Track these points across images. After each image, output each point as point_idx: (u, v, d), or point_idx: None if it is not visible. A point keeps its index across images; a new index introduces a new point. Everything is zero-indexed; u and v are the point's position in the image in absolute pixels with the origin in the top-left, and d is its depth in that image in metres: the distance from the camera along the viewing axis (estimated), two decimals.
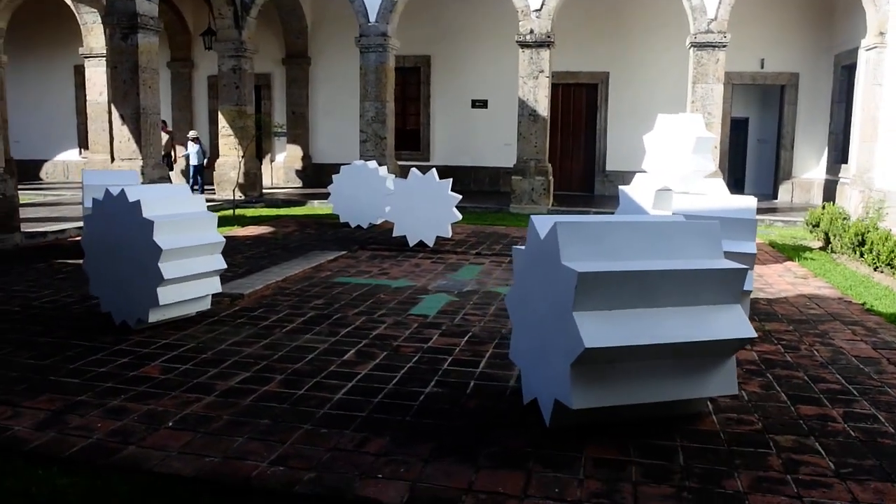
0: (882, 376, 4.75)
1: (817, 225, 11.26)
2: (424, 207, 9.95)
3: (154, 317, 5.50)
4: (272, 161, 19.31)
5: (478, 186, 17.87)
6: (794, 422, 3.92)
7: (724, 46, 13.60)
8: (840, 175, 15.38)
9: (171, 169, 17.35)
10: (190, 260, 5.54)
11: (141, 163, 12.53)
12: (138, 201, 5.33)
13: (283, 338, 5.45)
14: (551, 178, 14.67)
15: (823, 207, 11.61)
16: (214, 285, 5.88)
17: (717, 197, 7.03)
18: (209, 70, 19.21)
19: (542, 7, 13.95)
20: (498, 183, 17.78)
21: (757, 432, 3.76)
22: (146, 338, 5.36)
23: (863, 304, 6.97)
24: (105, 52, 16.22)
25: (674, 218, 4.11)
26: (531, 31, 14.04)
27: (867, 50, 13.60)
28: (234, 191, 14.44)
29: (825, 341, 5.60)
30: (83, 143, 20.00)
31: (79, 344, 5.20)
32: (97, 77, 16.47)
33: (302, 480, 3.19)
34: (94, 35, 16.46)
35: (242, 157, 15.63)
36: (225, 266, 5.90)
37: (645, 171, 10.73)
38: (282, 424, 3.78)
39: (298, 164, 18.85)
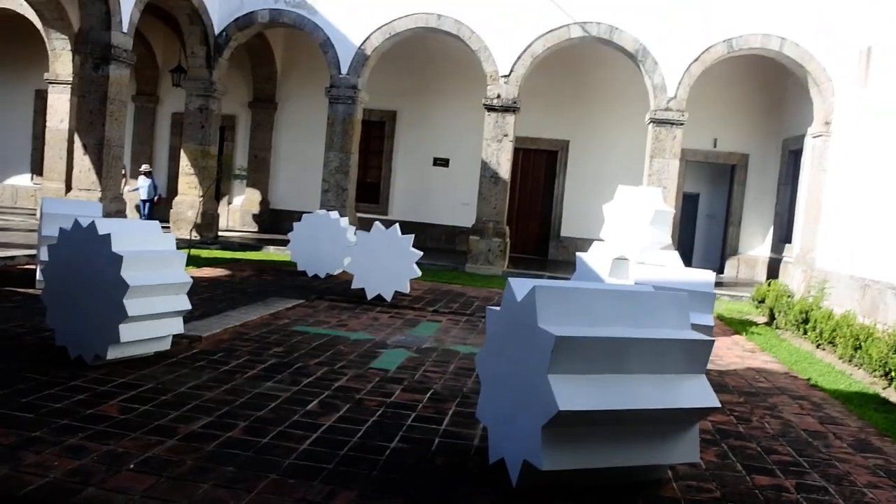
0: (830, 450, 4.93)
1: (763, 301, 11.66)
2: (385, 262, 10.00)
3: (113, 354, 5.39)
4: (229, 203, 19.18)
5: (434, 243, 18.01)
6: (750, 491, 4.03)
7: (682, 124, 14.19)
8: (784, 254, 15.99)
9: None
10: (155, 298, 5.48)
11: (99, 194, 12.35)
12: (108, 234, 5.27)
13: (245, 384, 5.38)
14: (508, 240, 14.90)
15: (769, 284, 12.03)
16: (177, 326, 5.80)
17: (676, 269, 7.25)
18: (174, 107, 19.18)
19: (510, 73, 14.39)
20: (454, 241, 17.97)
21: (716, 500, 3.85)
22: (103, 375, 5.24)
23: (808, 380, 7.22)
24: (71, 79, 16.08)
25: (644, 288, 4.25)
26: (498, 96, 14.43)
27: (814, 137, 14.35)
28: (190, 231, 14.28)
29: (775, 414, 5.78)
30: (37, 170, 19.59)
31: (32, 377, 5.05)
32: (60, 104, 16.24)
33: None
34: (61, 62, 16.30)
35: (202, 197, 15.51)
36: (189, 307, 5.84)
37: (602, 240, 11.05)
38: (247, 472, 3.73)
39: (256, 209, 18.76)
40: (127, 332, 5.30)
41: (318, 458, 4.01)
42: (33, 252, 10.93)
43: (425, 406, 5.23)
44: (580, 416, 3.51)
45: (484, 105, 14.56)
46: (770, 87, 17.06)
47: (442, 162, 18.17)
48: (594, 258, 10.61)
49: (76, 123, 12.49)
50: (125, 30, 12.55)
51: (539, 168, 17.98)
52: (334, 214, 12.25)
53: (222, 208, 18.68)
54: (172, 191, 18.54)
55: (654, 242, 10.23)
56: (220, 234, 16.62)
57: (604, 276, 10.41)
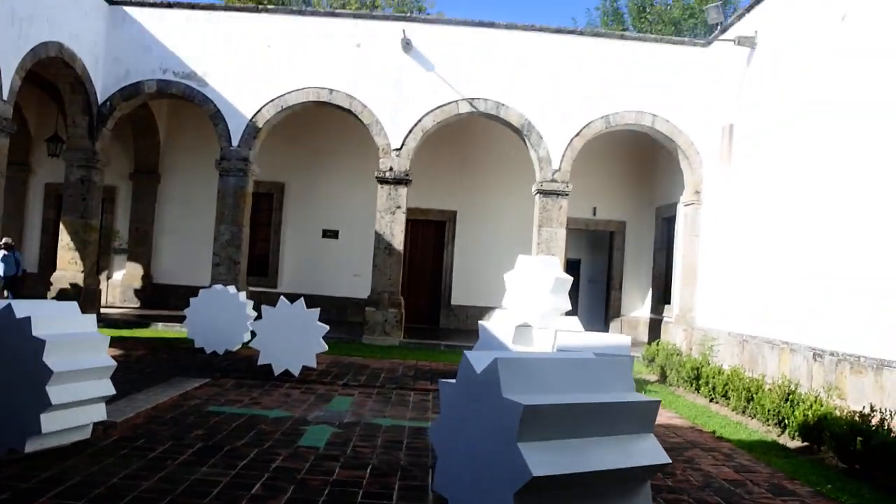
0: (753, 496, 5.31)
1: (653, 360, 12.32)
2: (292, 336, 9.86)
3: (31, 447, 5.04)
4: (108, 278, 18.24)
5: (325, 315, 17.35)
6: None
7: (567, 195, 14.98)
8: (664, 314, 16.98)
9: None
10: (80, 384, 5.20)
11: None
12: (28, 318, 4.99)
13: (179, 470, 5.15)
14: (403, 310, 15.01)
15: (657, 344, 12.74)
16: (100, 412, 5.51)
17: (594, 334, 7.60)
18: (48, 177, 18.27)
19: (402, 147, 14.76)
20: (345, 313, 17.84)
21: None
22: (22, 470, 4.87)
23: (713, 432, 7.70)
24: None
25: (587, 355, 4.50)
26: (391, 169, 14.73)
27: (685, 205, 15.52)
28: (90, 310, 13.45)
29: (694, 466, 6.14)
30: None
31: None
32: None
33: None
34: None
35: (83, 272, 14.73)
36: (114, 391, 5.57)
37: (504, 308, 11.41)
38: None
39: (138, 283, 17.95)
40: (48, 421, 4.99)
41: None
42: None
43: (370, 482, 5.20)
44: (551, 481, 3.64)
45: (377, 178, 14.80)
46: (645, 159, 18.38)
47: (331, 233, 18.17)
48: (497, 326, 10.91)
49: None
50: (5, 98, 11.96)
51: (428, 238, 18.33)
52: (232, 289, 11.98)
53: (101, 284, 17.76)
54: (47, 266, 17.53)
55: (555, 309, 10.69)
56: (101, 310, 15.74)
57: (507, 343, 10.71)
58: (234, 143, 14.77)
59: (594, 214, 18.49)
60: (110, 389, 5.51)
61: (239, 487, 4.86)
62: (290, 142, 17.71)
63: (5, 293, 14.80)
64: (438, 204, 18.12)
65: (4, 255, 14.95)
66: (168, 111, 18.37)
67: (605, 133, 15.48)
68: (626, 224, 18.60)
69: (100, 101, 14.99)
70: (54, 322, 5.20)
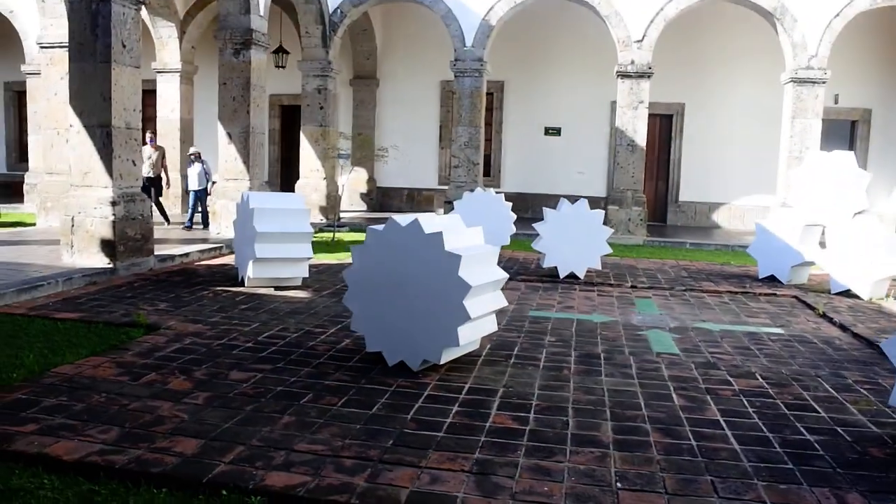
0: None
1: None
2: (577, 238, 9.77)
3: (446, 357, 5.23)
4: None
5: None
6: None
7: (824, 83, 13.72)
8: None
9: (161, 194, 14.22)
10: (484, 296, 5.30)
11: (248, 183, 12.22)
12: (440, 233, 5.07)
13: (578, 379, 5.21)
14: (646, 209, 14.59)
15: None
16: (493, 325, 5.64)
17: None
18: (272, 89, 18.91)
19: (643, 38, 13.97)
20: None
21: None
22: (441, 381, 5.08)
23: None
24: (180, 67, 15.93)
25: None
26: (632, 62, 14.03)
27: None
28: (332, 215, 14.09)
29: None
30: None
31: (372, 388, 4.91)
32: (170, 93, 16.10)
33: None
34: (168, 50, 16.11)
35: (325, 178, 15.35)
36: (506, 303, 5.68)
37: (787, 206, 10.76)
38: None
39: (364, 188, 18.57)
40: (465, 334, 5.13)
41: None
42: (206, 247, 10.88)
43: (777, 392, 5.02)
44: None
45: (617, 72, 14.17)
46: (894, 39, 16.44)
47: (554, 131, 17.81)
48: (779, 225, 10.33)
49: (219, 112, 12.28)
50: (262, 13, 12.29)
51: (654, 133, 17.53)
52: (492, 191, 11.86)
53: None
54: (273, 177, 18.43)
55: (851, 207, 9.94)
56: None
57: (792, 243, 10.15)
58: (468, 42, 14.55)
59: (835, 102, 16.91)
60: (504, 302, 5.60)
61: (663, 398, 4.84)
62: (510, 39, 17.22)
63: (198, 208, 13.66)
64: (666, 97, 17.18)
65: (192, 167, 13.77)
66: (382, 18, 18.34)
67: (868, 12, 13.88)
68: (871, 112, 16.92)
69: (331, 9, 15.13)
70: (459, 236, 5.28)
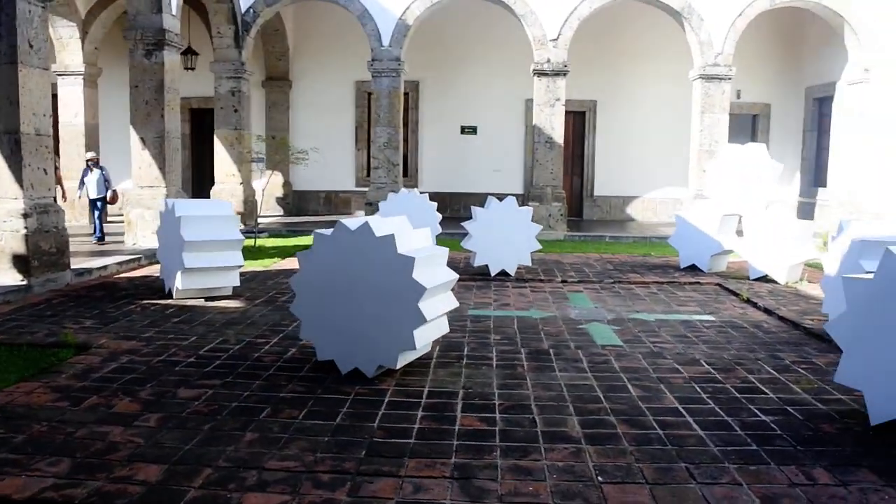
0: None
1: None
2: (507, 236, 9.84)
3: (402, 361, 5.16)
4: None
5: (469, 213, 17.80)
6: None
7: (730, 79, 14.34)
8: (817, 197, 16.46)
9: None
10: (435, 299, 5.24)
11: (164, 190, 11.75)
12: (391, 236, 4.99)
13: (525, 374, 5.24)
14: (566, 204, 14.87)
15: None
16: (445, 326, 5.60)
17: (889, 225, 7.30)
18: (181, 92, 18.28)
19: (558, 37, 14.22)
20: None
21: None
22: (400, 386, 5.01)
23: None
24: (83, 69, 15.16)
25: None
26: (548, 60, 14.26)
27: (851, 84, 14.71)
28: (251, 220, 13.71)
29: None
30: None
31: (330, 398, 4.80)
32: (73, 97, 15.28)
33: None
34: (69, 51, 15.29)
35: (241, 183, 14.93)
36: (457, 304, 5.64)
37: (703, 197, 11.17)
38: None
39: (279, 192, 18.16)
40: (420, 337, 5.06)
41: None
42: (122, 259, 10.38)
43: (724, 377, 5.19)
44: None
45: (534, 71, 14.37)
46: (792, 37, 17.40)
47: (470, 129, 17.91)
48: (698, 216, 10.72)
49: (132, 116, 11.73)
50: (174, 12, 11.83)
51: (568, 129, 17.88)
52: (416, 192, 11.90)
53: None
54: (186, 181, 17.80)
55: (765, 197, 10.41)
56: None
57: (711, 233, 10.55)
58: (385, 42, 14.44)
59: (738, 97, 17.70)
60: (455, 302, 5.56)
61: (618, 390, 4.92)
62: (425, 38, 17.18)
63: (95, 218, 12.49)
64: (579, 94, 17.54)
65: (90, 174, 12.45)
66: (294, 18, 18.00)
67: (767, 12, 14.59)
68: (770, 106, 17.82)
69: (243, 8, 14.73)
70: (409, 238, 5.21)
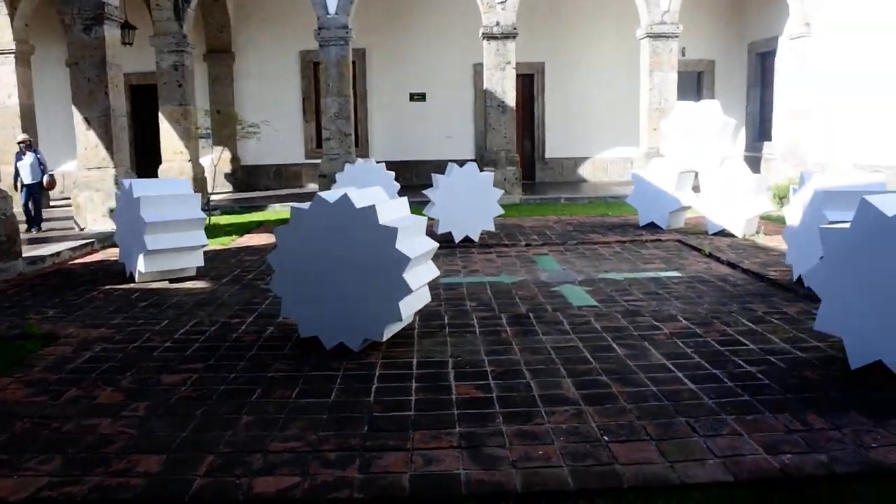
0: None
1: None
2: (470, 202, 9.80)
3: (388, 333, 5.11)
4: None
5: (423, 180, 17.67)
6: None
7: (678, 37, 14.45)
8: (764, 151, 16.84)
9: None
10: (419, 268, 5.20)
11: (113, 171, 11.35)
12: (372, 206, 4.90)
13: (519, 342, 5.26)
14: (520, 168, 14.87)
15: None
16: (427, 296, 5.55)
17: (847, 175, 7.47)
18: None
19: (506, 0, 14.09)
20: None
21: None
22: (391, 357, 4.97)
23: None
24: (14, 47, 14.42)
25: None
26: (497, 24, 14.13)
27: (792, 38, 14.98)
28: (202, 198, 13.32)
29: None
30: None
31: (323, 374, 4.74)
32: (5, 76, 14.54)
33: None
34: None
35: (189, 160, 14.52)
36: (439, 273, 5.60)
37: (661, 156, 11.30)
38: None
39: (228, 168, 17.71)
40: (406, 308, 5.02)
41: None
42: (74, 245, 10.01)
43: (691, 331, 5.30)
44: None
45: (483, 34, 14.23)
46: None
47: (419, 97, 17.72)
48: (655, 174, 10.85)
49: (73, 95, 11.24)
50: None
51: (518, 92, 17.80)
52: (371, 161, 11.71)
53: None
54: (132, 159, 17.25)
55: (720, 153, 10.58)
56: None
57: (668, 190, 10.70)
58: (331, 10, 14.09)
59: (683, 55, 17.84)
60: (436, 271, 5.53)
61: (604, 350, 4.98)
62: (371, 4, 16.84)
63: (30, 205, 11.51)
64: (526, 56, 17.44)
65: (23, 158, 11.61)
66: None
67: None
68: (715, 63, 18.07)
69: None
70: (388, 208, 5.13)
